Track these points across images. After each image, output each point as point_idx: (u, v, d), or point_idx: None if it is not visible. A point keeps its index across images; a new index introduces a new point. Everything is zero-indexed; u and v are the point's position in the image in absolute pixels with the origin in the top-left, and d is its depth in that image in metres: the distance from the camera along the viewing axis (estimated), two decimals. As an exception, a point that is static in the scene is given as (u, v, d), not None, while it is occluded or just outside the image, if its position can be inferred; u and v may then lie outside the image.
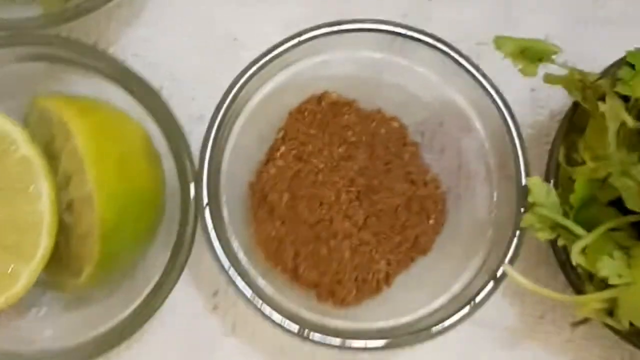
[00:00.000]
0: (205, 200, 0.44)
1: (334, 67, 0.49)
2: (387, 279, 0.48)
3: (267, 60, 0.45)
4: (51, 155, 0.43)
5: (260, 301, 0.44)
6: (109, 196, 0.41)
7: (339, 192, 0.47)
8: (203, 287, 0.49)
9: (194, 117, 0.50)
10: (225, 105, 0.45)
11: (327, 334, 0.45)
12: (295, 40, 0.46)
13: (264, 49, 0.47)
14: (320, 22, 0.49)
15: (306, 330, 0.44)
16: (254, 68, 0.45)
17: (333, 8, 0.52)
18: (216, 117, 0.44)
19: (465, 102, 0.48)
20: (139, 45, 0.51)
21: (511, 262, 0.44)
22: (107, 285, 0.46)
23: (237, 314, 0.50)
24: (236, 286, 0.44)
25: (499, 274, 0.44)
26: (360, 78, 0.49)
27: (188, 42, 0.52)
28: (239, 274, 0.45)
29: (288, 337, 0.45)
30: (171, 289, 0.44)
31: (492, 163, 0.48)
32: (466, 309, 0.44)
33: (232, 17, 0.52)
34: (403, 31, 0.47)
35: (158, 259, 0.45)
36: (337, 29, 0.47)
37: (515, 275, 0.42)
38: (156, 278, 0.45)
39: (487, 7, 0.52)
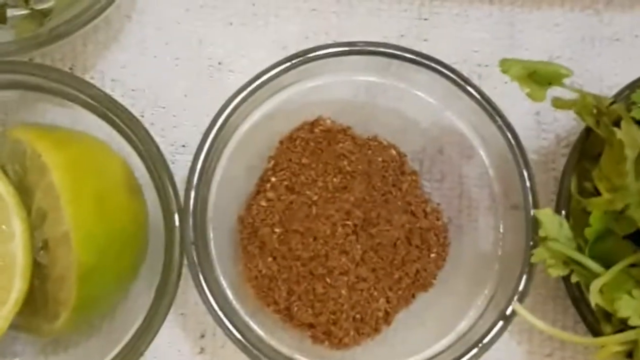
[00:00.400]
0: (191, 235, 0.41)
1: (327, 92, 0.46)
2: (387, 318, 0.45)
3: (257, 85, 0.43)
4: (24, 191, 0.40)
5: (250, 344, 0.40)
6: (87, 236, 0.38)
7: (335, 226, 0.44)
8: (189, 329, 0.46)
9: (177, 145, 0.48)
10: (212, 134, 0.42)
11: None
12: (287, 64, 0.43)
13: (251, 72, 0.45)
14: (311, 43, 0.46)
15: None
16: (243, 94, 0.42)
17: (324, 28, 0.50)
18: (203, 146, 0.41)
19: (466, 127, 0.46)
20: (118, 71, 0.48)
21: (520, 299, 0.41)
22: (85, 329, 0.43)
23: (225, 357, 0.46)
24: (225, 327, 0.41)
25: (508, 312, 0.41)
26: (355, 103, 0.47)
27: (170, 67, 0.49)
28: (227, 315, 0.42)
29: None
30: (156, 333, 0.41)
31: (496, 191, 0.45)
32: (474, 351, 0.41)
33: (217, 40, 0.49)
34: (400, 53, 0.44)
35: (140, 299, 0.42)
36: (331, 51, 0.43)
37: (527, 315, 0.40)
38: (139, 320, 0.42)
39: (487, 26, 0.49)
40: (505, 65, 0.40)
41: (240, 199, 0.45)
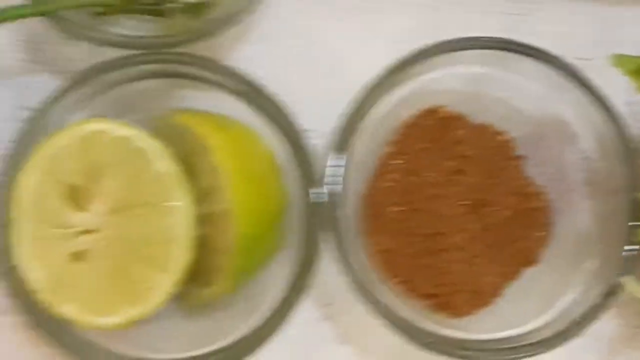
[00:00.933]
0: (329, 213, 0.45)
1: (441, 83, 0.50)
2: (497, 291, 0.49)
3: (386, 75, 0.47)
4: (187, 171, 0.44)
5: (377, 310, 0.45)
6: (247, 211, 0.43)
7: (452, 206, 0.48)
8: (317, 297, 0.50)
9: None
10: (347, 120, 0.46)
11: (444, 344, 0.46)
12: (409, 60, 0.47)
13: (367, 65, 0.49)
14: (422, 35, 0.50)
15: (423, 339, 0.45)
16: (376, 82, 0.46)
17: (434, 21, 0.54)
18: (340, 132, 0.46)
19: (569, 114, 0.50)
20: (245, 64, 0.52)
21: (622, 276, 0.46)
22: (232, 297, 0.47)
23: (351, 323, 0.51)
24: (363, 296, 0.46)
25: (612, 287, 0.46)
26: (465, 93, 0.51)
27: (292, 60, 0.53)
28: (362, 284, 0.46)
29: (401, 346, 0.46)
30: (295, 304, 0.45)
31: (597, 176, 0.49)
32: (576, 325, 0.46)
33: (339, 34, 0.53)
34: (511, 46, 0.48)
35: (280, 273, 0.46)
36: (448, 47, 0.48)
37: (636, 288, 0.44)
38: (280, 293, 0.46)
39: (583, 21, 0.54)
40: (618, 60, 0.45)
41: (363, 179, 0.50)
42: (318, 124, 0.49)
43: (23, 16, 0.45)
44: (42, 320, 0.45)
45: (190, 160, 0.44)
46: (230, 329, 0.48)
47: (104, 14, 0.48)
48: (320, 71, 0.53)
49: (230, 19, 0.46)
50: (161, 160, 0.44)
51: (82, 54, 0.52)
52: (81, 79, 0.46)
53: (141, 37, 0.48)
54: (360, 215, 0.49)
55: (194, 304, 0.48)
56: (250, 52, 0.53)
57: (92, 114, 0.47)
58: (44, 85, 0.52)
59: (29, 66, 0.52)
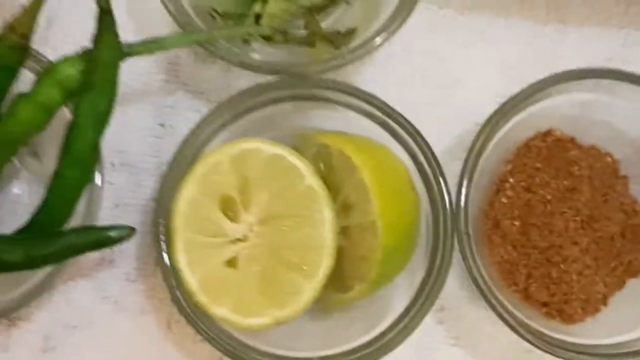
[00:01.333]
0: (454, 225, 0.50)
1: (554, 108, 0.54)
2: (604, 300, 0.53)
3: (512, 102, 0.51)
4: (330, 186, 0.48)
5: (498, 315, 0.50)
6: (389, 223, 0.47)
7: (567, 221, 0.52)
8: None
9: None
10: (478, 144, 0.50)
11: (561, 347, 0.50)
12: (532, 88, 0.51)
13: (481, 88, 0.53)
14: (532, 61, 0.56)
15: (543, 342, 0.50)
16: (502, 109, 0.51)
17: (543, 47, 0.58)
18: (471, 154, 0.50)
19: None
20: (365, 85, 0.55)
21: None
22: (363, 302, 0.51)
23: (462, 327, 0.55)
24: (487, 298, 0.50)
25: None
26: (574, 116, 0.55)
27: (413, 82, 0.57)
28: (478, 292, 0.50)
29: (509, 349, 0.52)
30: (426, 311, 0.50)
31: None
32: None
33: (454, 57, 0.57)
34: (619, 75, 0.52)
35: (406, 281, 0.51)
36: (565, 77, 0.52)
37: None
38: (406, 301, 0.50)
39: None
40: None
41: (483, 194, 0.54)
42: (434, 141, 0.53)
43: (180, 45, 0.49)
44: (194, 318, 0.49)
45: (328, 177, 0.48)
46: (361, 332, 0.51)
47: (248, 42, 0.52)
48: (437, 93, 0.57)
49: (367, 48, 0.50)
50: (309, 177, 0.48)
51: (214, 75, 0.56)
52: (228, 103, 0.50)
53: (276, 62, 0.52)
54: (481, 228, 0.53)
55: (329, 307, 0.52)
56: (373, 74, 0.57)
57: (234, 134, 0.51)
58: (180, 103, 0.57)
59: (167, 86, 0.56)
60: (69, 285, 0.54)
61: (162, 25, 0.53)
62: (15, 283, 0.50)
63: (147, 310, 0.54)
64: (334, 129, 0.52)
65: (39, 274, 0.50)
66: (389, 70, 0.57)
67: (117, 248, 0.52)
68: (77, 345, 0.54)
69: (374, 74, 0.57)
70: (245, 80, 0.56)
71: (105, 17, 0.44)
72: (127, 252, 0.54)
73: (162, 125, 0.55)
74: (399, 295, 0.52)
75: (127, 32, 0.47)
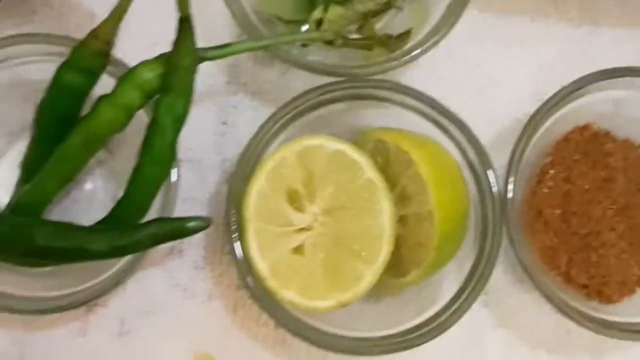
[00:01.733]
0: (501, 214, 0.54)
1: (590, 104, 0.58)
2: (639, 282, 0.58)
3: (558, 98, 0.55)
4: (387, 179, 0.53)
5: (545, 297, 0.54)
6: (445, 212, 0.52)
7: (604, 209, 0.57)
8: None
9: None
10: (524, 138, 0.54)
11: (601, 325, 0.55)
12: (573, 86, 0.56)
13: (519, 87, 0.58)
14: (567, 61, 0.60)
15: (585, 320, 0.54)
16: (546, 106, 0.55)
17: (576, 48, 0.63)
18: (517, 148, 0.54)
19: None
20: (411, 85, 0.58)
21: None
22: (417, 286, 0.55)
23: (506, 310, 0.60)
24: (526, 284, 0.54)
25: None
26: (609, 112, 0.59)
27: (454, 80, 0.61)
28: (525, 275, 0.55)
29: (550, 330, 0.56)
30: (476, 296, 0.54)
31: None
32: None
33: (493, 58, 0.61)
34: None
35: (456, 267, 0.55)
36: (598, 76, 0.56)
37: None
38: (456, 286, 0.55)
39: None
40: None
41: (526, 185, 0.59)
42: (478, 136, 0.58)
43: (249, 50, 0.54)
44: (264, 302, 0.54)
45: (385, 170, 0.53)
46: (413, 314, 0.56)
47: (306, 45, 0.57)
48: (477, 92, 0.61)
49: (419, 51, 0.54)
50: (369, 170, 0.52)
51: (272, 77, 0.60)
52: (291, 103, 0.55)
53: (334, 64, 0.56)
54: (524, 216, 0.57)
55: (385, 291, 0.56)
56: (417, 74, 0.61)
57: (293, 133, 0.56)
58: (241, 103, 0.61)
59: (228, 87, 0.61)
60: (142, 274, 0.58)
61: (225, 30, 0.57)
62: (96, 272, 0.54)
63: (215, 296, 0.58)
64: (385, 126, 0.56)
65: (119, 263, 0.54)
66: (432, 71, 0.61)
67: (186, 239, 0.57)
68: (150, 329, 0.58)
69: (418, 75, 0.61)
70: (300, 81, 0.60)
71: (185, 24, 0.49)
72: (194, 242, 0.58)
73: (224, 123, 0.60)
74: (449, 280, 0.56)
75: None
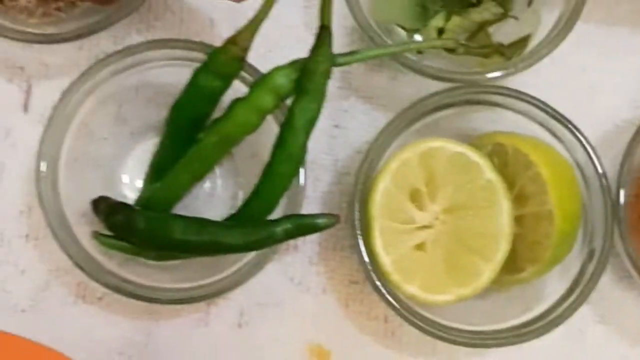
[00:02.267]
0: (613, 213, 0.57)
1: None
2: None
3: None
4: (504, 179, 0.56)
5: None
6: (564, 212, 0.55)
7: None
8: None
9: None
10: (634, 143, 0.57)
11: None
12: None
13: (619, 94, 0.61)
14: None
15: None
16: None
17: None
18: (630, 149, 0.57)
19: None
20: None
21: None
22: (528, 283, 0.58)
23: (607, 306, 0.62)
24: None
25: None
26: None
27: (557, 86, 0.64)
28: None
29: None
30: (589, 294, 0.57)
31: None
32: None
33: (595, 66, 0.64)
34: None
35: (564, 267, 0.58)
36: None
37: None
38: (565, 284, 0.58)
39: None
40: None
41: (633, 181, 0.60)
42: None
43: (376, 57, 0.57)
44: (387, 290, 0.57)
45: (502, 172, 0.56)
46: (519, 311, 0.59)
47: (421, 52, 0.60)
48: (579, 98, 0.64)
49: (534, 58, 0.57)
50: (488, 172, 0.55)
51: (382, 82, 0.64)
52: (410, 109, 0.58)
53: (449, 70, 0.59)
54: (632, 216, 0.60)
55: (497, 287, 0.59)
56: (523, 78, 0.62)
57: (407, 137, 0.59)
58: (353, 107, 0.64)
59: (341, 92, 0.64)
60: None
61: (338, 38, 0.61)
62: (223, 266, 0.57)
63: (328, 290, 0.62)
64: (495, 130, 0.59)
65: (246, 258, 0.57)
66: (537, 77, 0.64)
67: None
68: (266, 321, 0.61)
69: (522, 80, 0.64)
70: (408, 87, 0.63)
71: (325, 31, 0.52)
72: (309, 239, 0.61)
73: (336, 126, 0.63)
74: (555, 279, 0.59)
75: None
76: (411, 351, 0.62)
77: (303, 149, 0.54)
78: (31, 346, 0.47)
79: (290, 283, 0.61)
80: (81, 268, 0.55)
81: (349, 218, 0.58)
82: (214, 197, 0.61)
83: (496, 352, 0.61)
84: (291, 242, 0.61)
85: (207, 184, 0.62)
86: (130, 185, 0.60)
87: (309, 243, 0.61)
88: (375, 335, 0.61)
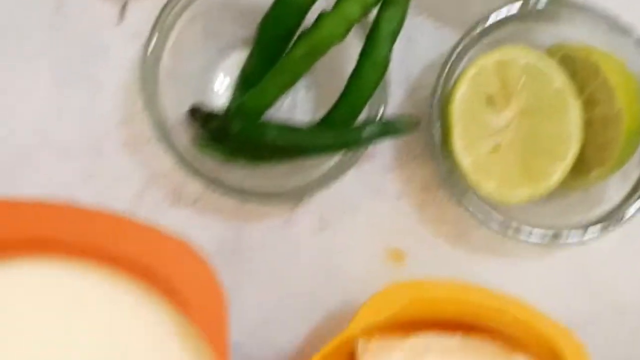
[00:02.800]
0: None
1: None
2: None
3: None
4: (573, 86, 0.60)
5: None
6: (632, 115, 0.59)
7: None
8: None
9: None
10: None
11: None
12: None
13: None
14: None
15: None
16: None
17: None
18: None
19: None
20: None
21: None
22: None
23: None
24: None
25: None
26: None
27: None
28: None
29: None
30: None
31: None
32: None
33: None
34: None
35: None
36: None
37: None
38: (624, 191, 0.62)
39: None
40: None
41: None
42: None
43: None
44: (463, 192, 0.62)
45: (577, 78, 0.60)
46: (585, 212, 0.63)
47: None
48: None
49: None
50: (559, 79, 0.60)
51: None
52: (479, 24, 0.62)
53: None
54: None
55: (566, 189, 0.64)
56: None
57: (480, 50, 0.63)
58: (422, 23, 0.68)
59: (413, 9, 0.68)
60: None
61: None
62: (310, 170, 0.62)
63: (403, 196, 0.66)
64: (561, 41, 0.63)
65: (331, 164, 0.62)
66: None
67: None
68: (345, 225, 0.66)
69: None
70: (476, 5, 0.67)
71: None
72: (385, 147, 0.66)
73: (409, 41, 0.67)
74: (618, 182, 0.63)
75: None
76: (480, 252, 0.66)
77: (387, 58, 0.58)
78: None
79: (368, 190, 0.66)
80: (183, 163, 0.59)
81: (425, 127, 0.62)
82: (296, 109, 0.65)
83: (561, 252, 0.65)
84: (369, 151, 0.65)
85: (289, 97, 0.65)
86: (220, 97, 0.64)
87: (385, 151, 0.66)
88: (446, 237, 0.66)
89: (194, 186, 0.64)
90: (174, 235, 0.55)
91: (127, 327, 0.56)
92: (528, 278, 0.66)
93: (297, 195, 0.62)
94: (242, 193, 0.61)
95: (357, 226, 0.66)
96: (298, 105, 0.66)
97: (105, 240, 0.54)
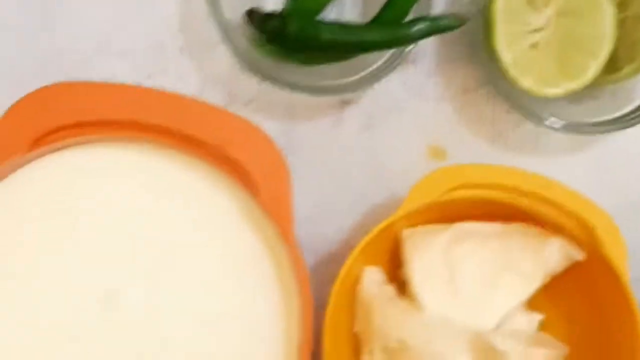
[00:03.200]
0: None
1: None
2: None
3: None
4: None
5: None
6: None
7: None
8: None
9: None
10: None
11: None
12: None
13: None
14: None
15: None
16: None
17: None
18: None
19: None
20: None
21: None
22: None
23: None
24: None
25: None
26: None
27: None
28: None
29: None
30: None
31: None
32: None
33: None
34: None
35: None
36: None
37: None
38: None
39: None
40: None
41: None
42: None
43: None
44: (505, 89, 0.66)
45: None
46: (617, 107, 0.68)
47: None
48: None
49: None
50: (595, -20, 0.64)
51: None
52: None
53: None
54: None
55: (599, 85, 0.68)
56: None
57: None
58: None
59: None
60: (385, 79, 0.68)
61: None
62: (359, 69, 0.67)
63: (445, 98, 0.71)
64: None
65: (379, 64, 0.66)
66: None
67: (419, 48, 0.69)
68: (390, 125, 0.70)
69: None
70: None
71: None
72: (427, 51, 0.70)
73: None
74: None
75: None
76: (515, 149, 0.71)
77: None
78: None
79: (411, 92, 0.70)
80: (244, 62, 0.63)
81: (466, 30, 0.66)
82: (345, 12, 0.70)
83: (594, 148, 0.70)
84: (409, 56, 0.69)
85: (335, 6, 0.70)
86: (274, 2, 0.68)
87: (426, 56, 0.70)
88: (484, 136, 0.71)
89: (248, 88, 0.69)
90: (245, 119, 0.60)
91: (203, 208, 0.61)
92: (562, 174, 0.69)
93: (346, 89, 0.66)
94: (294, 87, 0.65)
95: (402, 126, 0.71)
96: (347, 9, 0.69)
97: (187, 125, 0.59)
